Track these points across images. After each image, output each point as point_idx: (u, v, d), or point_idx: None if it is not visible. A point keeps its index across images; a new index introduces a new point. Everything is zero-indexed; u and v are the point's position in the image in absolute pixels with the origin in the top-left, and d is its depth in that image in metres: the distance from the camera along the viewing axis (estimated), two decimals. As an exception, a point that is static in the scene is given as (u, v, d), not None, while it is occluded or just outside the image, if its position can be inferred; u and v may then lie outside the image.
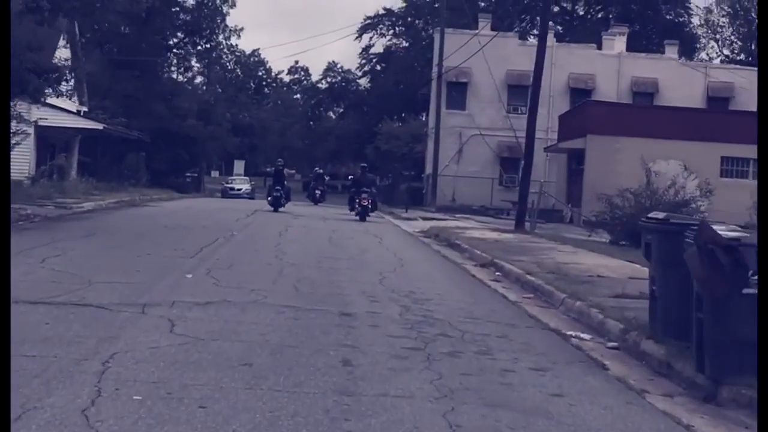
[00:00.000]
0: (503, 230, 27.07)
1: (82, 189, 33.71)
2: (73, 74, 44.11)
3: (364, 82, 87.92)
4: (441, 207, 48.24)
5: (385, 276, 14.48)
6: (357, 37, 78.68)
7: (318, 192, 41.30)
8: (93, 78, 58.29)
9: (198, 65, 64.41)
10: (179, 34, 65.32)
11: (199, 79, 69.48)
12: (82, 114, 43.87)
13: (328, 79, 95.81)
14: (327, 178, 44.75)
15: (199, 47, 64.50)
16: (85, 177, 44.45)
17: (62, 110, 39.40)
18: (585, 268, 16.02)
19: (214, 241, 18.72)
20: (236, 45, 64.33)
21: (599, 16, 70.17)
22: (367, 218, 32.51)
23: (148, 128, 59.21)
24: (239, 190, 64.20)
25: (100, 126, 38.87)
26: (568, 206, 42.15)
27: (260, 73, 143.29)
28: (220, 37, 64.26)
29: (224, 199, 56.27)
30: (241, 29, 64.27)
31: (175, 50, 65.81)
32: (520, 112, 52.14)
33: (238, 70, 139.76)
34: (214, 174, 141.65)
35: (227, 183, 66.08)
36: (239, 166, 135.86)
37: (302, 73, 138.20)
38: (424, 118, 65.62)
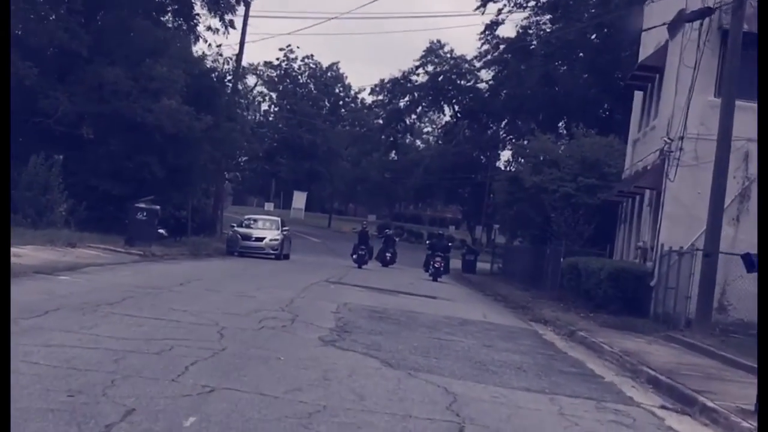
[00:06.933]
0: None
1: None
2: None
3: (484, 77, 58.19)
4: (712, 332, 18.57)
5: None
6: (479, 7, 49.53)
7: (388, 255, 39.97)
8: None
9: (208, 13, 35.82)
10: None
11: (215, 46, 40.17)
12: None
13: (429, 69, 65.58)
14: (397, 239, 43.66)
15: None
16: None
17: None
18: None
19: None
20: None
21: None
22: (439, 279, 33.59)
23: (93, 112, 31.30)
24: (260, 240, 35.44)
25: None
26: None
27: (337, 91, 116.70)
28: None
29: (222, 265, 27.88)
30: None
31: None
32: None
33: (311, 85, 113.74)
34: (268, 207, 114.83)
35: (241, 226, 37.19)
36: (299, 198, 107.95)
37: (387, 93, 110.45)
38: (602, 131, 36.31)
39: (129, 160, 31.80)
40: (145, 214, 27.80)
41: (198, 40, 37.21)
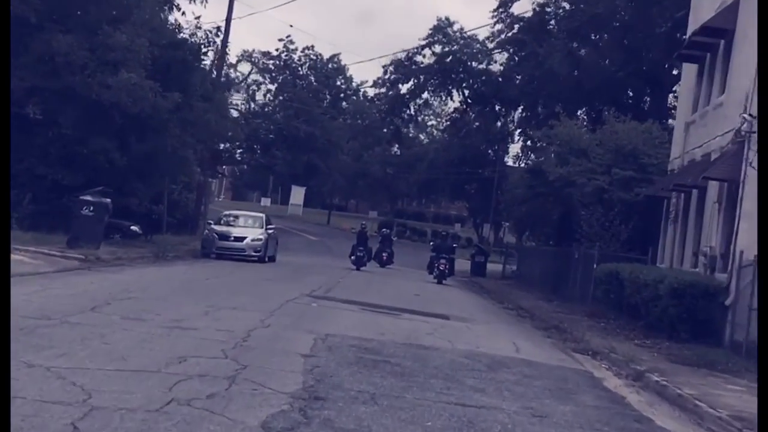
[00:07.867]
0: None
1: None
2: None
3: (498, 61, 52.81)
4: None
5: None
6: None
7: (385, 255, 39.03)
8: None
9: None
10: None
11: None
12: None
13: (435, 49, 59.63)
14: (394, 239, 42.79)
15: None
16: None
17: None
18: None
19: None
20: None
21: None
22: (444, 282, 32.85)
23: (42, 88, 26.62)
24: (239, 240, 30.50)
25: None
26: None
27: (339, 83, 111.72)
28: None
29: (182, 273, 23.11)
30: None
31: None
32: None
33: (311, 77, 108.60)
34: (265, 202, 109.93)
35: (219, 223, 32.28)
36: (298, 194, 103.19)
37: (389, 85, 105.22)
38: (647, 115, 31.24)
39: (83, 144, 26.81)
40: (91, 209, 22.70)
41: (173, 8, 32.16)
